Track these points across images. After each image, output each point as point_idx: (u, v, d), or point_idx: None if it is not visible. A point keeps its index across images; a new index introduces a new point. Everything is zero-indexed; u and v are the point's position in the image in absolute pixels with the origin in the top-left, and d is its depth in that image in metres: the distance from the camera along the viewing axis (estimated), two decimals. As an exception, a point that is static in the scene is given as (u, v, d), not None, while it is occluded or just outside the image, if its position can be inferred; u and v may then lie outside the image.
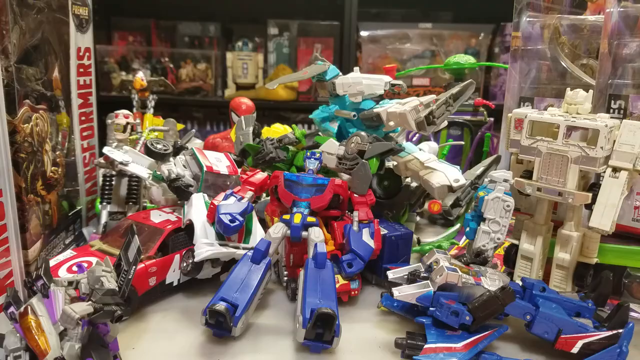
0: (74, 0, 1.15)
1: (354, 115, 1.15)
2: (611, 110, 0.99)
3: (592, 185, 0.94)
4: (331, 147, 1.12)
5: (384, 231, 1.06)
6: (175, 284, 0.99)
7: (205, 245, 0.95)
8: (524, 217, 1.02)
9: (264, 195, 1.35)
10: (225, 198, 1.01)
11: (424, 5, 3.28)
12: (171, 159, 1.13)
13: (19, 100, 0.94)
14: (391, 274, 0.94)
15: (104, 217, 1.20)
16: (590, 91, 0.93)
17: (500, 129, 1.28)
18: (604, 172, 0.90)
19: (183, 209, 1.07)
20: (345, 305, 0.99)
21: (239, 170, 1.16)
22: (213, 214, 0.98)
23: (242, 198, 1.02)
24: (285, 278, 1.03)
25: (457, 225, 1.41)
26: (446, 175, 1.05)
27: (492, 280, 0.89)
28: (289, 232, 0.96)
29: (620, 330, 0.79)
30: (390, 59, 3.13)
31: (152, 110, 1.80)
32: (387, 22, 3.24)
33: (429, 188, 1.08)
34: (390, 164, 1.21)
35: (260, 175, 1.09)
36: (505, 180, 0.94)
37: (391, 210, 1.24)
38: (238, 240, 1.00)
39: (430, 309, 0.84)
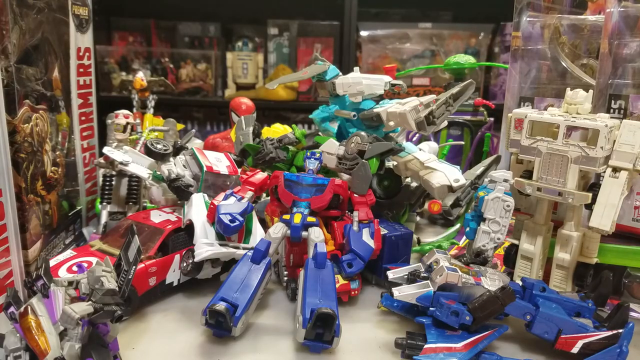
0: (74, 0, 1.15)
1: (354, 115, 1.15)
2: (611, 110, 0.99)
3: (592, 185, 0.94)
4: (331, 147, 1.12)
5: (384, 231, 1.06)
6: (175, 284, 0.99)
7: (205, 245, 0.95)
8: (524, 217, 1.02)
9: (264, 195, 1.35)
10: (225, 198, 1.01)
11: (424, 5, 3.28)
12: (171, 159, 1.13)
13: (19, 100, 0.94)
14: (391, 274, 0.94)
15: (104, 217, 1.20)
16: (590, 91, 0.93)
17: (500, 129, 1.28)
18: (604, 172, 0.90)
19: (183, 209, 1.07)
20: (345, 305, 0.99)
21: (239, 170, 1.16)
22: (213, 214, 0.98)
23: (242, 198, 1.02)
24: (285, 278, 1.03)
25: (457, 226, 1.41)
26: (446, 175, 1.05)
27: (492, 280, 0.89)
28: (289, 232, 0.96)
29: (620, 330, 0.79)
30: (390, 59, 3.13)
31: (152, 111, 1.80)
32: (387, 22, 3.23)
33: (429, 188, 1.08)
34: (390, 164, 1.21)
35: (260, 175, 1.09)
36: (505, 180, 0.94)
37: (391, 210, 1.24)
38: (238, 240, 1.00)
39: (431, 309, 0.84)
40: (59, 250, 1.12)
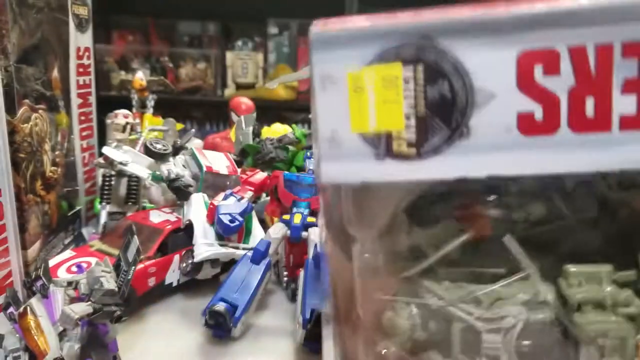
0: (74, -1, 1.15)
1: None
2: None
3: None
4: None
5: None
6: (174, 284, 0.99)
7: (205, 245, 0.95)
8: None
9: (264, 195, 1.35)
10: (225, 198, 1.01)
11: (425, 4, 3.28)
12: (171, 158, 1.13)
13: (19, 100, 0.94)
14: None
15: (103, 217, 1.19)
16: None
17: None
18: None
19: (182, 209, 1.06)
20: (345, 306, 0.99)
21: (239, 170, 1.16)
22: (212, 214, 0.97)
23: (242, 198, 1.02)
24: (285, 278, 1.03)
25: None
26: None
27: None
28: (288, 232, 0.96)
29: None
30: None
31: (151, 110, 1.79)
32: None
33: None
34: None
35: (260, 175, 1.09)
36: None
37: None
38: (238, 241, 1.00)
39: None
40: (58, 251, 1.12)
